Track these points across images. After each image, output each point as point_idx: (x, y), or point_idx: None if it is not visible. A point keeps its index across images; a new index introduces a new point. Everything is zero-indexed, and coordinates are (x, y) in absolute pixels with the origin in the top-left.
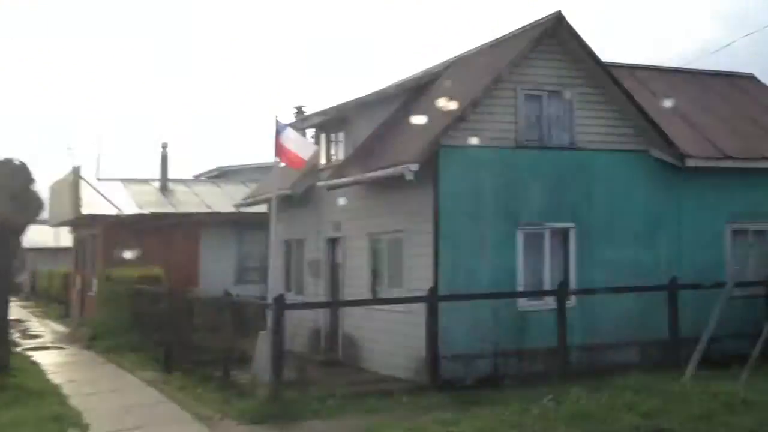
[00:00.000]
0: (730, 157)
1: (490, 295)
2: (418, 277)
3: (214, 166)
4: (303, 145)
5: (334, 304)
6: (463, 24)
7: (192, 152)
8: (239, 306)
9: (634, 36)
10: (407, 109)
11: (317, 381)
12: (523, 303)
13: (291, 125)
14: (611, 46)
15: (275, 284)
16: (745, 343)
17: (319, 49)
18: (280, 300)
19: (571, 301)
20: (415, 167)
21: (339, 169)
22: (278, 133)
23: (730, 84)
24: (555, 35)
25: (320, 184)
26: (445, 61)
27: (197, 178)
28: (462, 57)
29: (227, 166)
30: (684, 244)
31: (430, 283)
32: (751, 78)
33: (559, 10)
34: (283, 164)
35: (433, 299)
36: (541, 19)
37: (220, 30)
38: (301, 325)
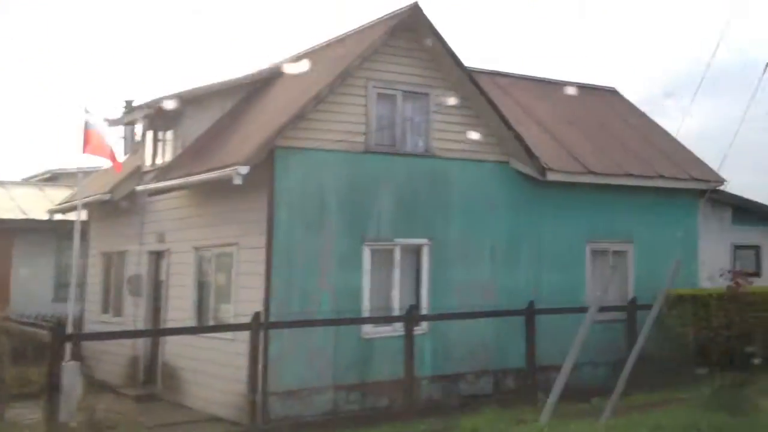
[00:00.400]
0: (592, 172)
1: (329, 321)
2: (249, 299)
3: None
4: (109, 140)
5: (127, 334)
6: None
7: (26, 153)
8: (27, 332)
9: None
10: (247, 105)
11: (115, 425)
12: (368, 330)
13: (114, 121)
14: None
15: (90, 304)
16: (605, 372)
17: (172, 41)
18: (58, 331)
19: (423, 328)
20: (244, 170)
21: (164, 172)
22: (89, 126)
23: (594, 97)
24: (412, 29)
25: (140, 188)
26: (297, 54)
27: (26, 181)
28: (314, 49)
29: (60, 169)
30: (544, 264)
31: (260, 306)
32: (613, 92)
33: (416, 1)
34: (107, 165)
35: (257, 326)
36: (399, 9)
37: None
38: (118, 351)
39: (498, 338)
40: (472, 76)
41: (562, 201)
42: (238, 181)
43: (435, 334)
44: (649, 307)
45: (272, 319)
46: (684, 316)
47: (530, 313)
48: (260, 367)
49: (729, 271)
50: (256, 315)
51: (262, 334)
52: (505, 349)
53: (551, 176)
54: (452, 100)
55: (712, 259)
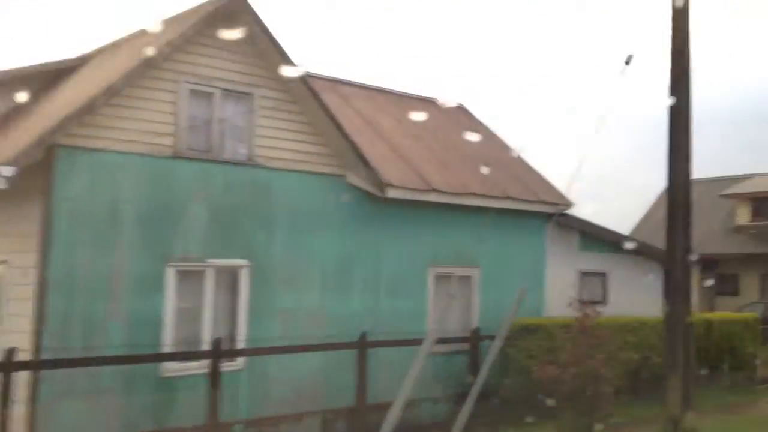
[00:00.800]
0: (436, 191)
1: (113, 359)
2: (20, 329)
3: None
4: None
5: None
6: None
7: None
8: None
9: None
10: (37, 97)
11: None
12: (171, 367)
13: None
14: None
15: None
16: (446, 408)
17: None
18: None
19: (238, 363)
20: (8, 171)
21: None
22: None
23: (442, 112)
24: (236, 18)
25: None
26: (109, 43)
27: None
28: (128, 38)
29: None
30: (383, 290)
31: (32, 337)
32: (461, 108)
33: None
34: None
35: (7, 367)
36: None
37: None
38: None
39: (327, 373)
40: (305, 78)
41: (404, 221)
42: (0, 184)
43: (252, 371)
44: (493, 337)
45: (48, 354)
46: (530, 348)
47: (362, 345)
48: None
49: (579, 301)
50: (11, 350)
51: (10, 376)
52: (335, 385)
53: (392, 193)
54: (281, 104)
55: (559, 285)
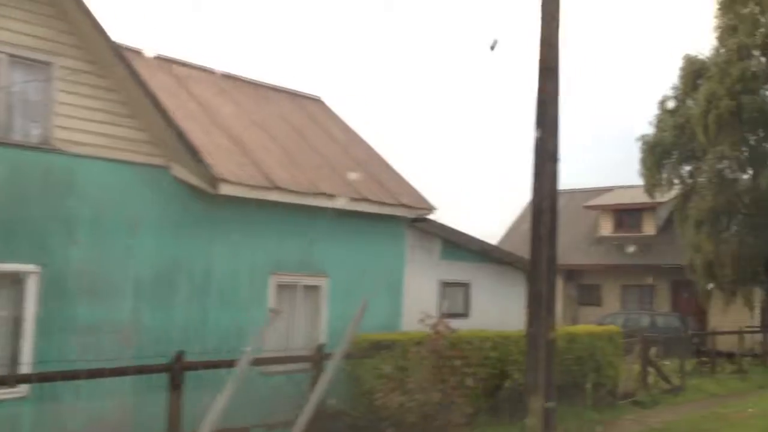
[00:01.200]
0: (279, 188)
1: None
2: None
3: None
4: None
5: None
6: None
7: None
8: None
9: None
10: None
11: None
12: None
13: None
14: None
15: None
16: None
17: None
18: None
19: (21, 390)
20: None
21: None
22: None
23: (297, 105)
24: None
25: None
26: None
27: None
28: None
29: None
30: (213, 301)
31: None
32: (319, 102)
33: None
34: None
35: None
36: None
37: None
38: None
39: (138, 400)
40: (117, 47)
41: (241, 222)
42: None
43: (40, 399)
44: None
45: None
46: (381, 367)
47: (177, 368)
48: None
49: (430, 316)
50: None
51: None
52: (146, 414)
53: (225, 189)
54: (89, 78)
55: (419, 296)
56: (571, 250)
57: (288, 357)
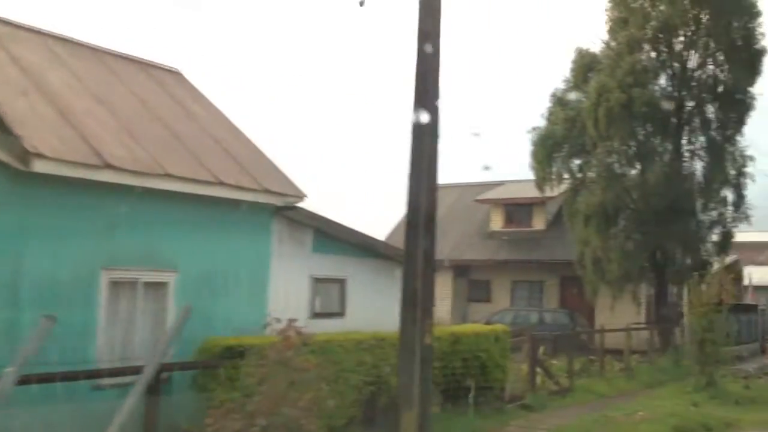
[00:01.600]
0: (112, 167)
1: None
2: None
3: None
4: None
5: None
6: None
7: None
8: None
9: None
10: None
11: None
12: None
13: None
14: None
15: None
16: None
17: None
18: None
19: None
20: None
21: None
22: None
23: (148, 76)
24: None
25: None
26: None
27: None
28: None
29: None
30: (27, 300)
31: None
32: (177, 74)
33: None
34: None
35: None
36: None
37: None
38: None
39: None
40: None
41: (62, 207)
42: None
43: None
44: (187, 365)
45: None
46: (236, 378)
47: None
48: None
49: (278, 320)
50: None
51: None
52: None
53: (41, 166)
54: None
55: (287, 294)
56: (462, 245)
57: (119, 369)
